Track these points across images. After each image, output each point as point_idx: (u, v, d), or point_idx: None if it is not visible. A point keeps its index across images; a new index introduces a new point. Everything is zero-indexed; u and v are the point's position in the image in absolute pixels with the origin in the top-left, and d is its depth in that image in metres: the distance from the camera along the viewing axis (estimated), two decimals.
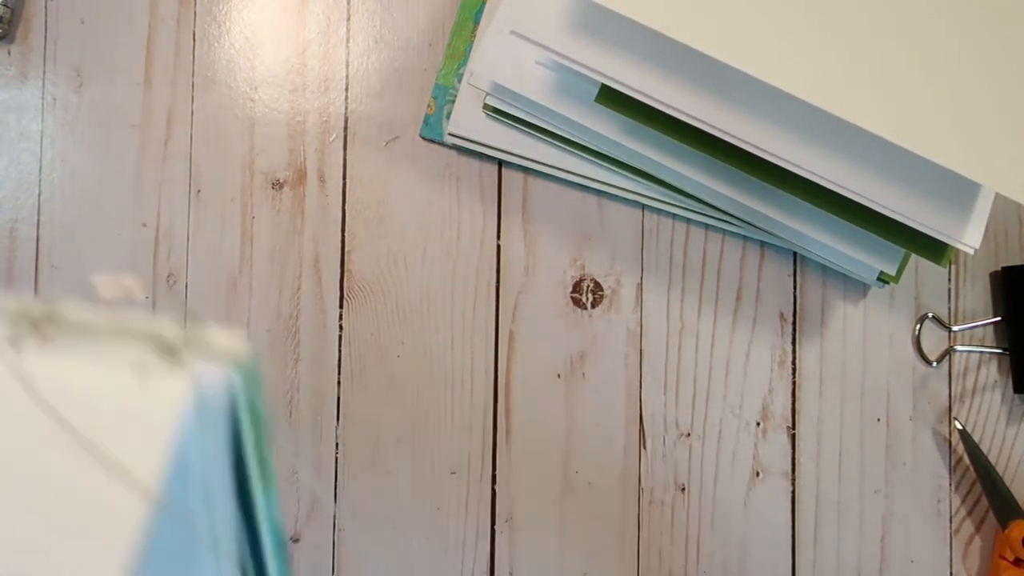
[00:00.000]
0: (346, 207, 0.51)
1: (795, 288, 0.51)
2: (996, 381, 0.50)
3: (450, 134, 0.49)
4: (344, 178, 0.51)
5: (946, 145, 0.34)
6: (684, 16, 0.35)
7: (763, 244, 0.50)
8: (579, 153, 0.48)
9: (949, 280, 0.51)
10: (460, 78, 0.50)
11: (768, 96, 0.37)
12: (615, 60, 0.38)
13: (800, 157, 0.38)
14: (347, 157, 0.51)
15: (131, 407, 0.19)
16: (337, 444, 0.50)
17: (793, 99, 0.34)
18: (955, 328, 0.50)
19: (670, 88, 0.38)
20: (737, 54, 0.34)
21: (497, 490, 0.50)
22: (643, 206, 0.50)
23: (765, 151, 0.38)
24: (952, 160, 0.34)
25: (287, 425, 0.50)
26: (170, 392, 0.19)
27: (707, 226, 0.50)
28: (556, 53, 0.38)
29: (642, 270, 0.50)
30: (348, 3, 0.51)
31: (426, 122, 0.50)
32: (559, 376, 0.50)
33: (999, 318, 0.50)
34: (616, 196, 0.50)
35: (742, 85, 0.37)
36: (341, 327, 0.50)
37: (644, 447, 0.50)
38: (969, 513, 0.50)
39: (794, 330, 0.51)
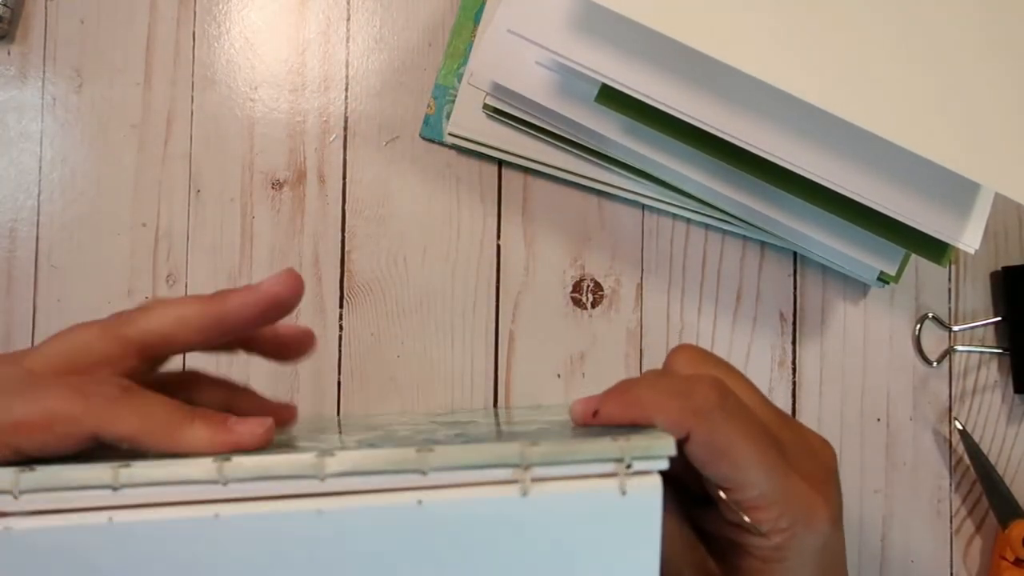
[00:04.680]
0: (346, 207, 0.51)
1: (795, 288, 0.51)
2: (996, 381, 0.50)
3: (450, 134, 0.49)
4: (344, 178, 0.51)
5: (946, 145, 0.34)
6: (683, 16, 0.35)
7: (763, 244, 0.50)
8: (579, 153, 0.48)
9: (949, 280, 0.51)
10: (460, 78, 0.50)
11: (768, 96, 0.37)
12: (615, 60, 0.38)
13: (800, 157, 0.38)
14: (347, 157, 0.51)
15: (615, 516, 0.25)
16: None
17: (793, 99, 0.34)
18: (955, 328, 0.50)
19: (670, 88, 0.38)
20: (736, 54, 0.34)
21: None
22: (643, 206, 0.50)
23: (765, 151, 0.38)
24: (952, 160, 0.34)
25: None
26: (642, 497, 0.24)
27: (707, 226, 0.50)
28: (555, 53, 0.38)
29: (642, 270, 0.50)
30: (348, 3, 0.51)
31: (426, 122, 0.50)
32: (559, 376, 0.50)
33: (999, 318, 0.50)
34: (616, 196, 0.50)
35: (742, 85, 0.37)
36: (341, 327, 0.50)
37: None
38: (969, 513, 0.50)
39: (794, 330, 0.51)
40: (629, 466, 0.24)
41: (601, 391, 0.30)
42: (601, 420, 0.28)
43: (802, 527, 0.28)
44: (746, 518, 0.28)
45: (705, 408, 0.27)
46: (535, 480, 0.24)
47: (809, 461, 0.30)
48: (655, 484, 0.24)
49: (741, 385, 0.31)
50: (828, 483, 0.30)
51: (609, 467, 0.24)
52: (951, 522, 0.50)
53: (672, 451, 0.25)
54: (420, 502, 0.24)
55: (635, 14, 0.35)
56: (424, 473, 0.24)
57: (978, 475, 0.48)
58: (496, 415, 0.42)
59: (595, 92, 0.41)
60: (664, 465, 0.25)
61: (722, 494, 0.28)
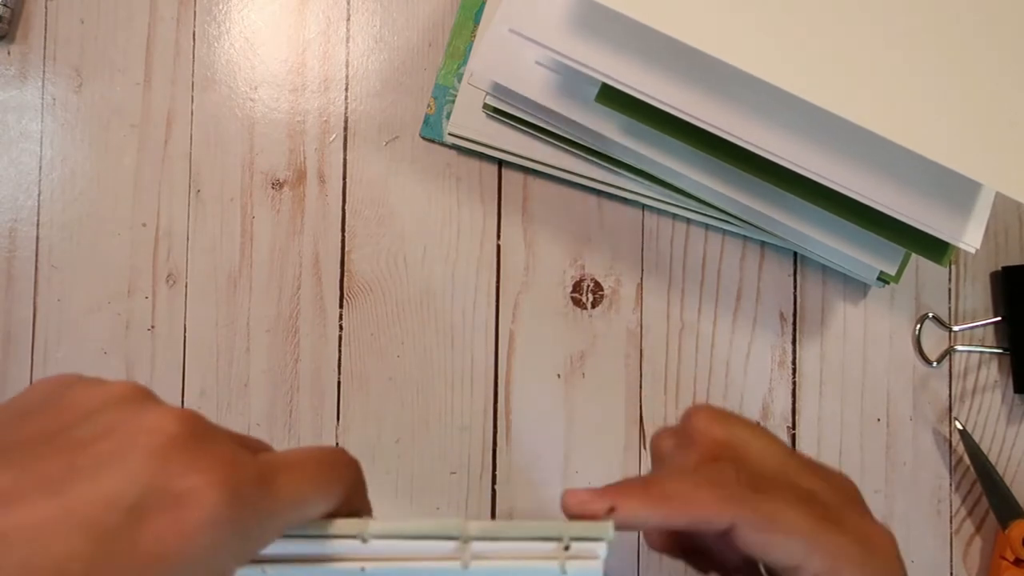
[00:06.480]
0: (346, 207, 0.51)
1: (795, 288, 0.51)
2: (996, 381, 0.50)
3: (450, 134, 0.49)
4: (344, 178, 0.51)
5: (946, 144, 0.34)
6: (683, 14, 0.35)
7: (763, 244, 0.50)
8: (579, 153, 0.48)
9: (949, 280, 0.51)
10: (460, 78, 0.50)
11: (768, 94, 0.37)
12: (615, 59, 0.38)
13: (800, 156, 0.38)
14: (347, 157, 0.51)
15: None
16: (337, 444, 0.50)
17: (793, 98, 0.34)
18: (955, 328, 0.50)
19: (670, 87, 0.38)
20: (736, 52, 0.34)
21: (497, 490, 0.50)
22: (643, 206, 0.50)
23: (765, 150, 0.38)
24: (952, 159, 0.34)
25: (287, 425, 0.50)
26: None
27: (707, 226, 0.50)
28: (555, 52, 0.38)
29: (642, 270, 0.50)
30: (348, 3, 0.51)
31: (426, 122, 0.50)
32: (559, 376, 0.50)
33: (999, 318, 0.50)
34: (616, 196, 0.50)
35: (742, 83, 0.37)
36: (341, 327, 0.50)
37: (644, 447, 0.50)
38: (969, 513, 0.50)
39: (794, 330, 0.51)
40: (567, 548, 0.24)
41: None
42: (621, 518, 0.26)
43: (880, 563, 0.27)
44: None
45: (740, 492, 0.26)
46: (476, 557, 0.24)
47: (850, 504, 0.29)
48: (596, 568, 0.25)
49: (764, 441, 0.29)
50: (865, 509, 0.29)
51: (550, 547, 0.25)
52: (951, 522, 0.50)
53: (610, 534, 0.25)
54: (363, 569, 0.24)
55: (635, 12, 0.35)
56: (364, 540, 0.24)
57: (978, 475, 0.48)
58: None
59: (595, 92, 0.41)
60: (603, 548, 0.25)
61: (790, 572, 0.27)
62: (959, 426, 0.49)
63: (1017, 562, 0.47)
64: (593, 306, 0.50)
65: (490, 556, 0.25)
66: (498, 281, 0.50)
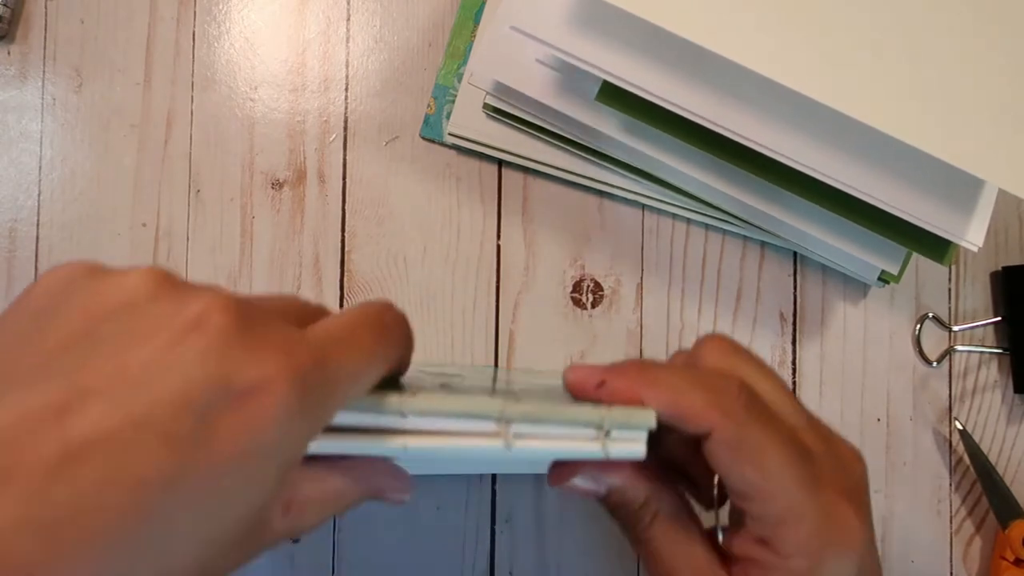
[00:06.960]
0: (346, 207, 0.51)
1: (795, 288, 0.51)
2: (996, 381, 0.50)
3: (450, 134, 0.49)
4: (344, 178, 0.51)
5: (948, 140, 0.34)
6: (684, 10, 0.35)
7: (763, 244, 0.50)
8: (579, 153, 0.48)
9: (949, 280, 0.51)
10: (460, 78, 0.50)
11: (770, 91, 0.37)
12: (616, 56, 0.38)
13: (802, 154, 0.38)
14: (347, 157, 0.51)
15: None
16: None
17: (795, 95, 0.34)
18: (955, 328, 0.50)
19: (671, 84, 0.38)
20: (738, 49, 0.35)
21: (497, 490, 0.50)
22: (643, 206, 0.50)
23: (766, 148, 0.38)
24: (955, 155, 0.34)
25: None
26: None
27: (707, 226, 0.50)
28: (557, 49, 0.38)
29: (642, 270, 0.50)
30: (348, 3, 0.52)
31: (426, 122, 0.50)
32: None
33: (999, 318, 0.50)
34: (616, 196, 0.50)
35: (744, 80, 0.37)
36: None
37: None
38: (969, 513, 0.50)
39: (794, 330, 0.51)
40: (608, 433, 0.25)
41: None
42: (605, 394, 0.26)
43: (833, 550, 0.25)
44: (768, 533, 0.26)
45: (733, 406, 0.25)
46: (517, 436, 0.25)
47: (841, 475, 0.27)
48: (639, 451, 0.25)
49: (772, 385, 0.28)
50: (861, 501, 0.27)
51: (590, 432, 0.25)
52: (951, 522, 0.50)
53: (652, 424, 0.25)
54: (405, 448, 0.25)
55: (637, 9, 0.35)
56: (404, 416, 0.24)
57: (978, 475, 0.48)
58: (486, 374, 0.42)
59: (595, 90, 0.41)
60: (643, 439, 0.25)
61: (743, 504, 0.26)
62: (959, 426, 0.49)
63: (1017, 562, 0.47)
64: (593, 306, 0.50)
65: (532, 436, 0.25)
66: (498, 281, 0.50)
